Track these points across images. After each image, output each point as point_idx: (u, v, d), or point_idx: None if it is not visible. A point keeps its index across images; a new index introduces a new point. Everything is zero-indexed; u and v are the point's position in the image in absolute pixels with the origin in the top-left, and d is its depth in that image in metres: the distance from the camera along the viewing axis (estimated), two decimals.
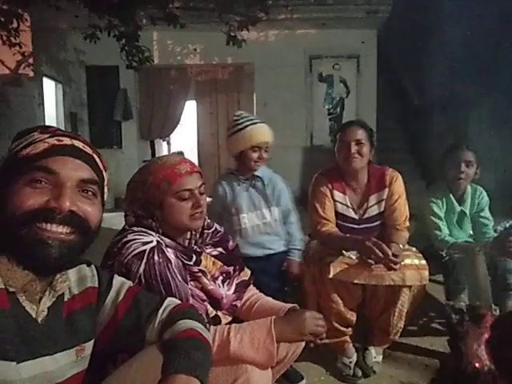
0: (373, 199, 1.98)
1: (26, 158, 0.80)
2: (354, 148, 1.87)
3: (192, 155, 8.27)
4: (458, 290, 1.94)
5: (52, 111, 6.42)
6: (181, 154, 8.54)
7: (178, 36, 6.77)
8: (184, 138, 9.21)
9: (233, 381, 1.06)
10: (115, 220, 2.23)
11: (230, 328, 1.17)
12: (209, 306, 1.29)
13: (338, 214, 1.99)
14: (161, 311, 0.98)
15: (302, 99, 7.14)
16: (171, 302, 1.02)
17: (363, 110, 7.08)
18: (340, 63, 7.16)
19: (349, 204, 1.99)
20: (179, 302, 1.05)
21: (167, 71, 7.13)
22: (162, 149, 8.25)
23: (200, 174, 1.31)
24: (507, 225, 2.89)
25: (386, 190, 1.97)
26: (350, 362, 1.90)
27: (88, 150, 0.88)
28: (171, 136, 8.33)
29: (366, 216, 1.99)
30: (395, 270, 1.71)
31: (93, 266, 0.96)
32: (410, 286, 1.82)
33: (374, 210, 1.98)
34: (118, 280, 1.01)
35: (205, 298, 1.29)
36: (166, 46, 6.95)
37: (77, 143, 0.86)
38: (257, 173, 2.00)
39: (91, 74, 6.94)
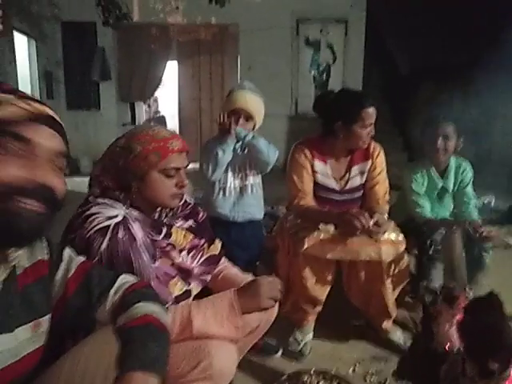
0: (355, 170, 1.96)
1: None
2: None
3: (173, 119, 8.07)
4: (430, 266, 1.94)
5: (25, 69, 6.11)
6: (162, 118, 8.33)
7: None
8: (165, 101, 8.95)
9: (195, 365, 1.02)
10: None
11: (191, 306, 1.14)
12: (179, 282, 1.26)
13: (318, 185, 1.94)
14: (112, 292, 0.92)
15: (288, 64, 6.96)
16: (125, 280, 0.97)
17: (349, 78, 6.95)
18: (328, 27, 6.95)
19: (330, 174, 1.95)
20: (134, 279, 0.99)
21: (148, 29, 6.81)
22: (142, 112, 8.01)
23: (187, 153, 1.27)
24: (485, 201, 2.93)
25: (369, 161, 1.96)
26: (302, 340, 1.87)
27: (58, 119, 0.82)
28: (152, 99, 8.09)
29: (347, 187, 1.95)
30: (376, 238, 1.70)
31: (43, 239, 0.90)
32: (391, 262, 1.80)
33: (356, 181, 1.96)
34: (68, 253, 0.95)
35: (175, 273, 1.25)
36: (147, 2, 6.60)
37: (48, 111, 0.80)
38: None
39: (67, 31, 6.59)
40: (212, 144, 2.00)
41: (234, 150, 1.98)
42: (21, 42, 5.91)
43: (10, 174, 0.71)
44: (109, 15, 4.59)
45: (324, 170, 1.94)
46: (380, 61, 7.73)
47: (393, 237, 1.78)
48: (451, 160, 2.17)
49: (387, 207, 1.94)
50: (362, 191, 1.98)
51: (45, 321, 0.86)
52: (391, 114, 7.34)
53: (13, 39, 5.51)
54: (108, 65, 6.67)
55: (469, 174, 2.19)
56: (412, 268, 2.43)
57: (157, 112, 9.06)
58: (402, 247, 1.79)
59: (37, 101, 0.79)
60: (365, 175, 1.96)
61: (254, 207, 2.04)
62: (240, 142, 1.99)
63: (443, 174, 2.18)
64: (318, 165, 1.93)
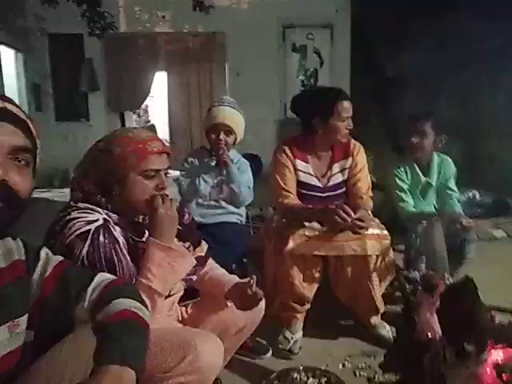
0: (336, 167, 2.00)
1: None
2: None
3: (163, 128, 8.06)
4: (418, 260, 1.97)
5: (12, 82, 6.09)
6: (152, 127, 8.33)
7: (146, 2, 6.49)
8: (155, 111, 8.97)
9: (181, 358, 1.02)
10: None
11: (138, 279, 1.12)
12: None
13: (301, 184, 1.97)
14: (90, 290, 0.92)
15: (275, 70, 7.00)
16: (103, 278, 0.97)
17: (337, 82, 6.97)
18: (314, 33, 7.02)
19: (312, 172, 1.98)
20: (112, 277, 0.99)
21: (135, 40, 6.83)
22: (132, 122, 8.01)
23: (168, 155, 1.27)
24: (470, 195, 2.98)
25: (350, 159, 1.99)
26: (292, 338, 1.87)
27: (21, 114, 0.81)
28: (142, 108, 8.10)
29: (330, 184, 1.99)
30: (360, 234, 1.72)
31: (18, 239, 0.90)
32: (377, 257, 1.82)
33: (337, 178, 2.00)
34: (45, 253, 0.95)
35: None
36: (133, 12, 6.63)
37: (10, 107, 0.79)
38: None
39: (54, 43, 6.56)
40: (194, 165, 2.10)
41: (213, 164, 2.08)
42: (8, 55, 5.90)
43: None
44: (94, 26, 4.61)
45: (306, 169, 1.97)
46: (367, 64, 7.81)
47: (377, 231, 1.81)
48: (434, 156, 2.21)
49: (371, 203, 1.97)
50: (344, 188, 2.00)
51: (22, 321, 0.86)
52: (380, 116, 7.40)
53: None
54: (96, 75, 6.66)
55: (451, 168, 2.24)
56: (400, 264, 2.46)
57: (147, 121, 9.08)
58: (387, 241, 1.81)
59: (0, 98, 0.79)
60: (346, 172, 2.00)
61: (227, 215, 2.11)
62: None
63: (426, 169, 2.21)
64: (300, 163, 1.96)
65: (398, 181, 2.17)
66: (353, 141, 2.02)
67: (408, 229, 2.02)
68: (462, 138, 5.10)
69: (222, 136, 2.02)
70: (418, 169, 2.20)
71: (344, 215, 1.63)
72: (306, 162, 1.97)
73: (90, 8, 4.48)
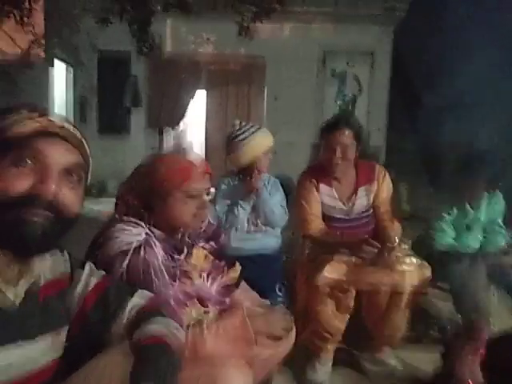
0: (361, 191, 1.99)
1: (13, 136, 0.76)
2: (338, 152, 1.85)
3: (200, 147, 8.22)
4: (457, 300, 1.89)
5: (62, 94, 6.42)
6: (184, 150, 8.48)
7: (192, 25, 6.71)
8: (192, 129, 9.16)
9: None
10: None
11: (202, 327, 1.14)
12: (197, 303, 1.26)
13: (326, 207, 1.98)
14: (128, 308, 0.94)
15: (314, 95, 7.06)
16: (141, 296, 0.98)
17: (375, 109, 6.99)
18: (354, 59, 7.05)
19: (336, 196, 1.98)
20: (150, 296, 1.01)
21: (179, 60, 7.07)
22: (171, 138, 8.21)
23: (211, 176, 1.31)
24: None
25: (375, 182, 1.99)
26: (321, 370, 1.83)
27: (78, 134, 0.85)
28: (180, 126, 8.29)
29: (355, 207, 1.98)
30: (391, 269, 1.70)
31: (65, 252, 0.94)
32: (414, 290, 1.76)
33: (363, 202, 1.99)
34: (89, 267, 0.98)
35: (193, 294, 1.26)
36: (180, 34, 6.89)
37: (67, 126, 0.83)
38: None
39: (103, 59, 6.89)
40: (228, 191, 2.07)
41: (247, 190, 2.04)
42: (59, 68, 6.23)
43: (23, 187, 0.74)
44: (143, 45, 4.81)
45: (330, 192, 1.98)
46: (407, 92, 7.75)
47: (416, 261, 1.77)
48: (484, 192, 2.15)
49: (399, 226, 1.94)
50: (370, 211, 2.00)
51: (63, 332, 0.89)
52: (417, 146, 7.28)
53: (53, 66, 5.83)
54: (139, 92, 6.91)
55: (501, 204, 2.17)
56: (435, 300, 2.38)
57: (180, 145, 9.24)
58: (427, 272, 1.77)
59: (57, 118, 0.82)
60: (371, 196, 1.99)
61: (267, 238, 2.08)
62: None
63: (475, 204, 2.16)
64: (324, 187, 1.97)
65: (440, 215, 2.11)
66: (378, 165, 2.03)
67: (447, 267, 1.95)
68: (506, 171, 4.92)
69: (270, 156, 2.04)
70: (466, 204, 2.14)
71: (369, 248, 1.62)
72: (330, 185, 1.98)
73: (141, 28, 4.67)
